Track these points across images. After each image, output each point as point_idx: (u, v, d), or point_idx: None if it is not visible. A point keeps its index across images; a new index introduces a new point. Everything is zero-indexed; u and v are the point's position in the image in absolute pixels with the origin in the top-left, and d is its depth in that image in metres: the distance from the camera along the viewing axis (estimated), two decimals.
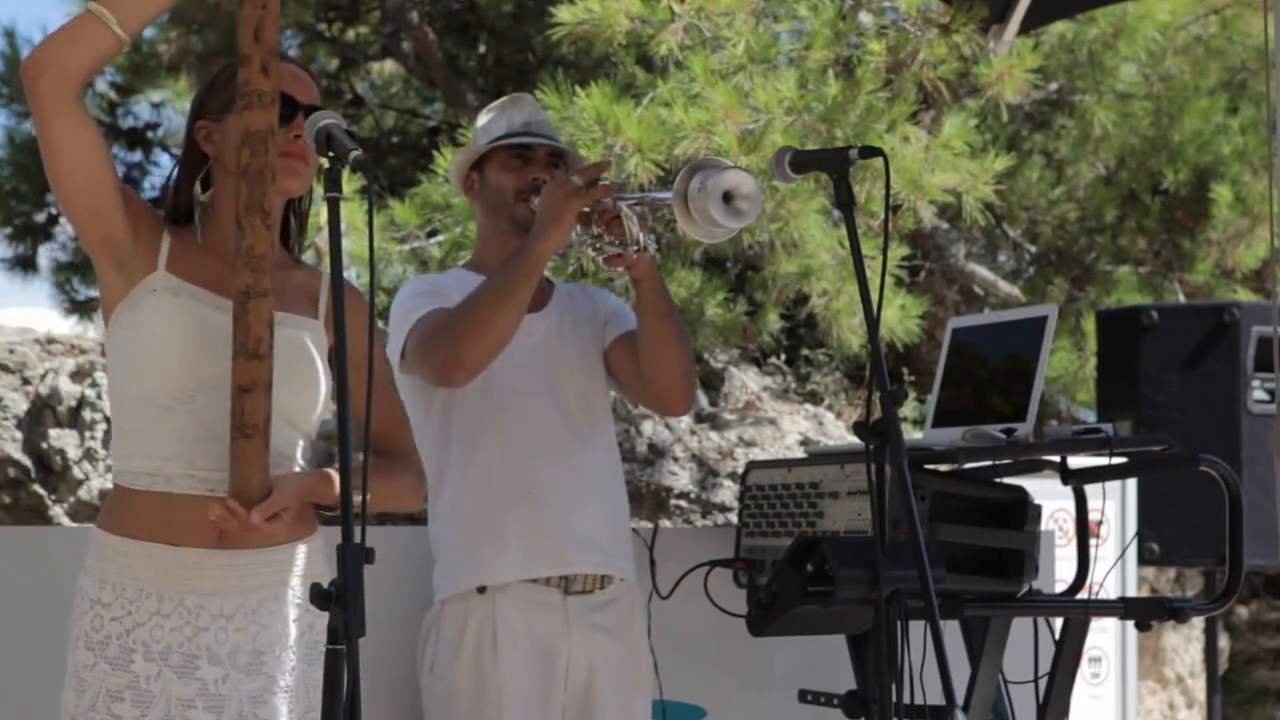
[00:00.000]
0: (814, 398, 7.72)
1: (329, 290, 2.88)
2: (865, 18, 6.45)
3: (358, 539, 2.41)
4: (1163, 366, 6.10)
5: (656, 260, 3.46)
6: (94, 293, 9.29)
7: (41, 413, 6.23)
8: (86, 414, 6.15)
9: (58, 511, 6.13)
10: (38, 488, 6.15)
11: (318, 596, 2.41)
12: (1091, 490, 3.96)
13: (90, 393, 6.16)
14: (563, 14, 6.13)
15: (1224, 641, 8.01)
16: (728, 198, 3.23)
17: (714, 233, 3.29)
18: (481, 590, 3.43)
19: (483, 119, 3.66)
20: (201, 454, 2.72)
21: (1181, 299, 8.22)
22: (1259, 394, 6.01)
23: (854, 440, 5.68)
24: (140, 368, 2.73)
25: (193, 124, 2.84)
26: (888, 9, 6.47)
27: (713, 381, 7.08)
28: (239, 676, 2.71)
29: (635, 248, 3.38)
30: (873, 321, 2.94)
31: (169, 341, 2.72)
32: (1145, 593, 7.38)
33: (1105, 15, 7.97)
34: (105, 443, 6.05)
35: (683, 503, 6.44)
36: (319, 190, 2.73)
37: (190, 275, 2.77)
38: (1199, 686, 7.83)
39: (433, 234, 6.64)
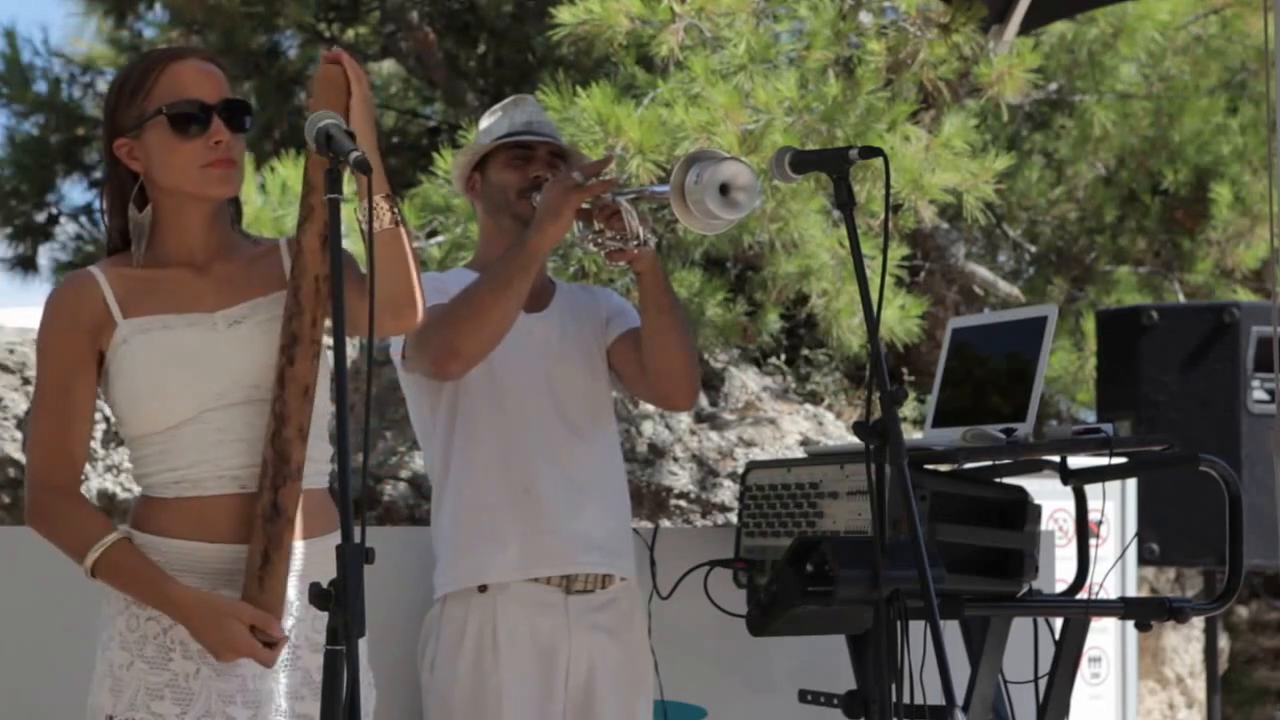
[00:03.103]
0: (814, 398, 7.72)
1: (291, 253, 2.84)
2: (865, 18, 6.45)
3: (358, 539, 2.41)
4: (1163, 366, 6.10)
5: (657, 255, 3.47)
6: None
7: None
8: None
9: None
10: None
11: (318, 597, 2.41)
12: (1091, 490, 3.96)
13: None
14: (563, 14, 6.12)
15: (1224, 641, 8.01)
16: (724, 189, 3.22)
17: (712, 225, 3.29)
18: (482, 589, 3.43)
19: (485, 121, 3.67)
20: (225, 456, 2.72)
21: (1181, 299, 8.21)
22: (1259, 394, 6.01)
23: (854, 440, 5.67)
24: (136, 411, 2.74)
25: (110, 143, 2.79)
26: (888, 9, 6.47)
27: (713, 381, 7.08)
28: (276, 672, 2.71)
29: (636, 242, 3.38)
30: (873, 321, 2.94)
31: (155, 382, 2.72)
32: (1145, 593, 7.38)
33: (1105, 15, 7.96)
34: (105, 443, 6.05)
35: (683, 503, 6.44)
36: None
37: (146, 306, 2.75)
38: (1199, 686, 7.83)
39: (433, 234, 6.63)
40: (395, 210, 2.74)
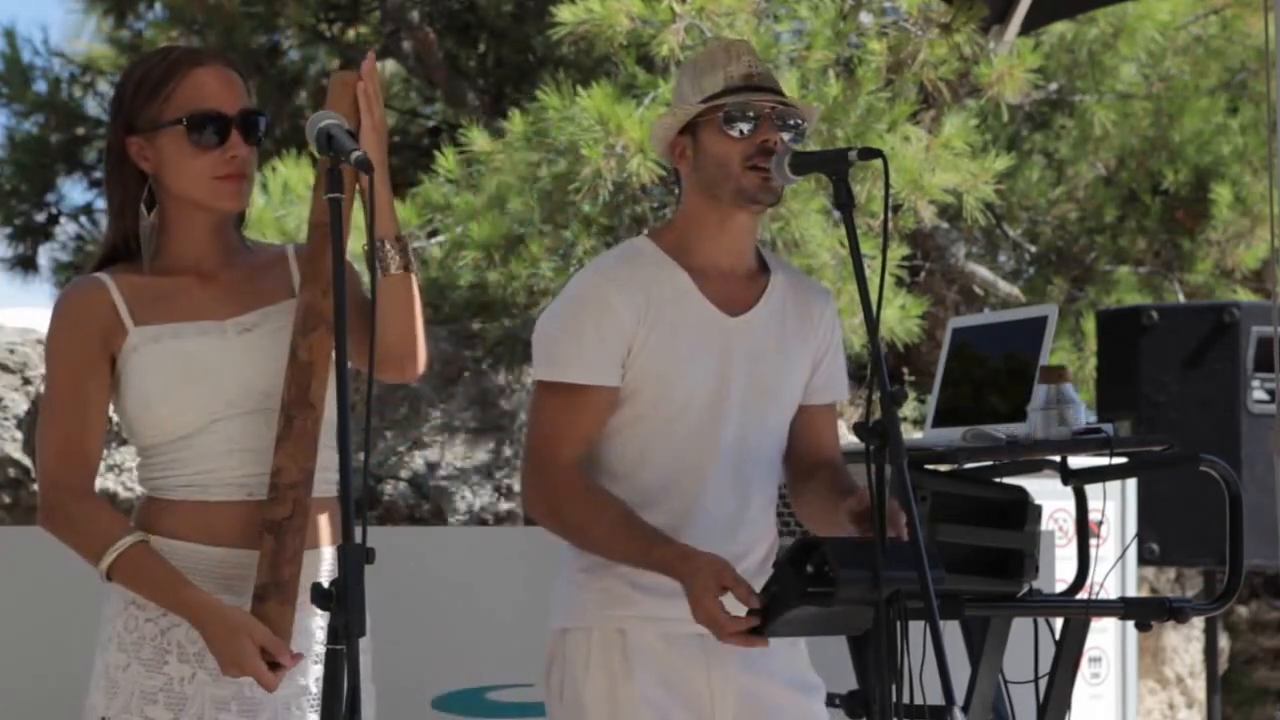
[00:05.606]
0: None
1: (298, 259, 2.83)
2: (866, 18, 6.46)
3: (358, 539, 2.41)
4: (1163, 366, 6.10)
5: None
6: None
7: None
8: None
9: None
10: (38, 488, 6.14)
11: (318, 597, 2.41)
12: (1091, 490, 3.96)
13: None
14: (563, 14, 6.13)
15: (1224, 641, 8.01)
16: None
17: None
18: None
19: (688, 75, 3.30)
20: (234, 464, 2.70)
21: (1181, 299, 8.22)
22: (1259, 394, 6.01)
23: (854, 440, 5.69)
24: (146, 420, 2.73)
25: (121, 137, 2.74)
26: (888, 9, 6.48)
27: None
28: None
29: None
30: (873, 321, 2.93)
31: (166, 391, 2.70)
32: (1145, 593, 7.38)
33: (1105, 15, 7.97)
34: (107, 443, 6.06)
35: None
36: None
37: (158, 314, 2.73)
38: (1199, 686, 7.83)
39: (433, 234, 6.64)
40: (406, 255, 2.72)
